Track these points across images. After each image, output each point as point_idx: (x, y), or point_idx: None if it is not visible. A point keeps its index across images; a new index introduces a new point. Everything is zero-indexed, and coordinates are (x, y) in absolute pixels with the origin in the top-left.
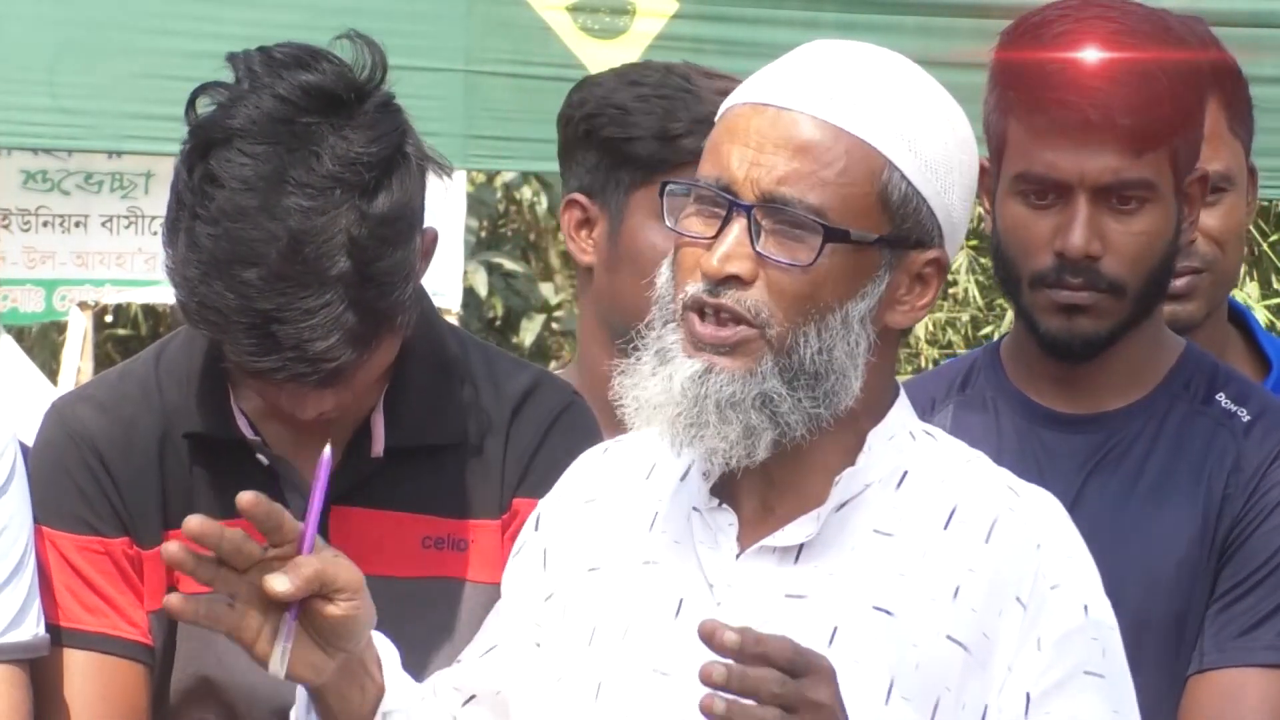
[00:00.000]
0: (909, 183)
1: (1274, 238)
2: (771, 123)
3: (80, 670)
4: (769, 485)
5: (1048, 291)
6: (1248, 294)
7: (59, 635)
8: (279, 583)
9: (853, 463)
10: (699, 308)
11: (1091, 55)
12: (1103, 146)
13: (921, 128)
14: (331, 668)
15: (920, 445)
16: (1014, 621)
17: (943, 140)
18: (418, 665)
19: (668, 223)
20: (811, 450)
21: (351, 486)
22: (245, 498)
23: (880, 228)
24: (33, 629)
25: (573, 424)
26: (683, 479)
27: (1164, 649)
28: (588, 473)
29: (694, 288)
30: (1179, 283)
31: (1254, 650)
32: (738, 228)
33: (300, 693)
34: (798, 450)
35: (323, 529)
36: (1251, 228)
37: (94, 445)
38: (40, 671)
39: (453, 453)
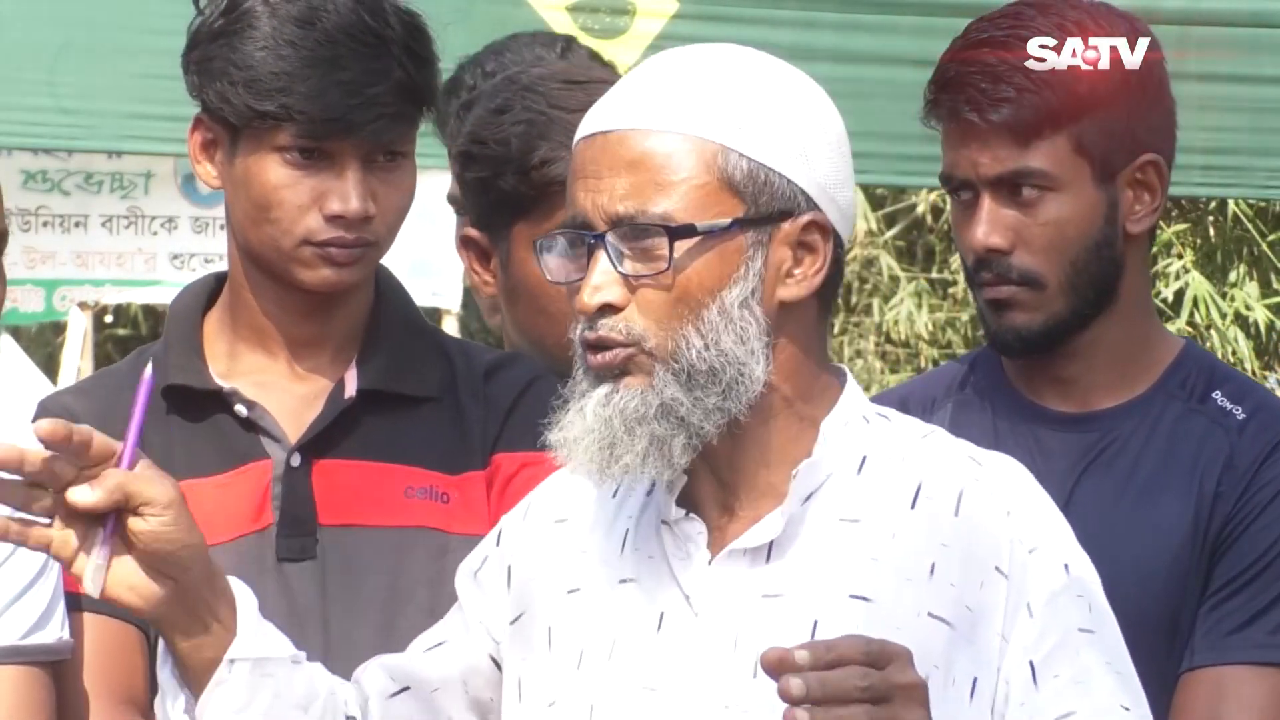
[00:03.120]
0: (749, 159)
1: (1273, 237)
2: (601, 149)
3: (75, 631)
4: (725, 488)
5: (978, 290)
6: (1247, 294)
7: None
8: (80, 494)
9: (807, 453)
10: (585, 345)
11: (979, 56)
12: (986, 142)
13: (746, 103)
14: (158, 595)
15: (875, 428)
16: (998, 592)
17: (773, 107)
18: (402, 615)
19: (547, 277)
20: (759, 445)
21: (329, 431)
22: (41, 427)
23: (732, 211)
24: (57, 632)
25: (547, 388)
26: (649, 494)
27: (1157, 646)
28: (556, 493)
29: (579, 329)
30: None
31: (1246, 648)
32: (601, 258)
33: (161, 642)
34: (744, 447)
35: (306, 481)
36: (1251, 227)
37: (73, 417)
38: None
39: (429, 408)
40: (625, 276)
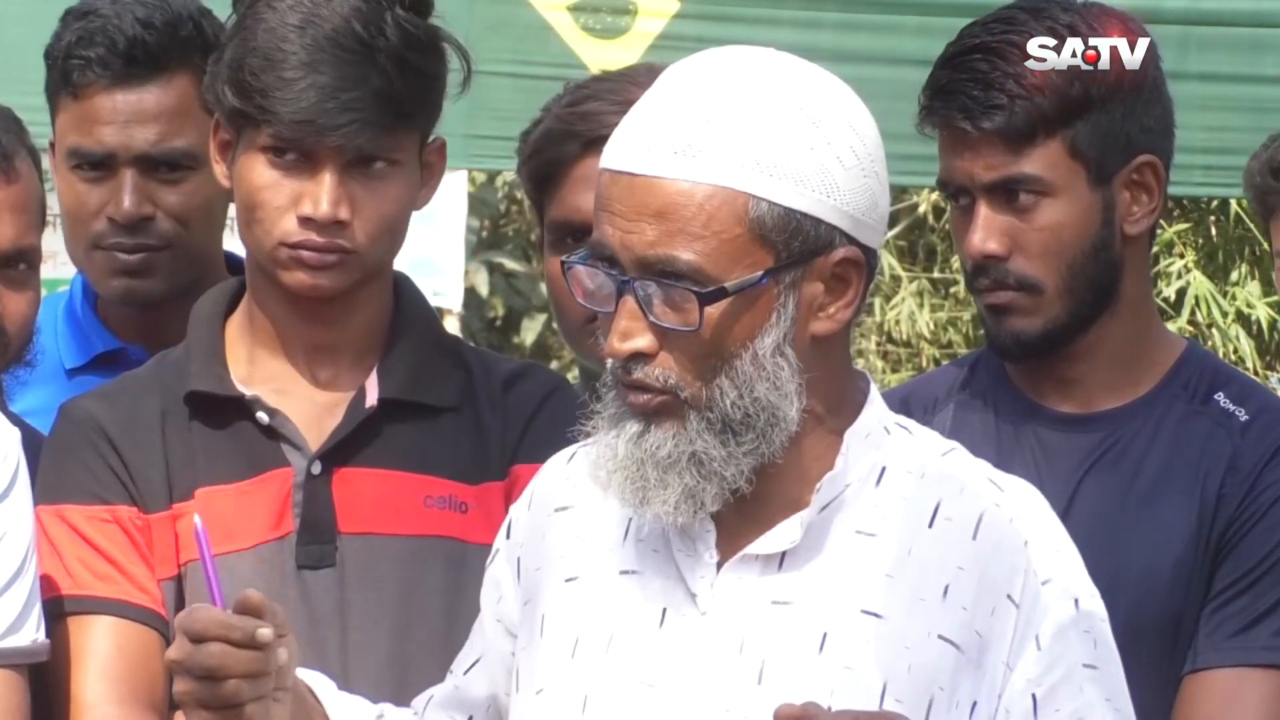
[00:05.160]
0: (781, 207)
1: None
2: (628, 190)
3: (96, 634)
4: (744, 493)
5: (977, 295)
6: (1249, 293)
7: (73, 605)
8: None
9: (829, 465)
10: (622, 385)
11: (971, 62)
12: (979, 149)
13: (773, 144)
14: (286, 715)
15: (895, 439)
16: (1008, 620)
17: (801, 142)
18: (419, 624)
19: (578, 299)
20: (790, 463)
21: (350, 440)
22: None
23: (763, 262)
24: (32, 634)
25: (567, 399)
26: None
27: (1159, 648)
28: (556, 479)
29: (612, 365)
30: None
31: (1249, 650)
32: (630, 301)
33: None
34: (775, 466)
35: (326, 489)
36: (1252, 226)
37: (97, 423)
38: (57, 644)
39: (448, 418)
40: (655, 325)
